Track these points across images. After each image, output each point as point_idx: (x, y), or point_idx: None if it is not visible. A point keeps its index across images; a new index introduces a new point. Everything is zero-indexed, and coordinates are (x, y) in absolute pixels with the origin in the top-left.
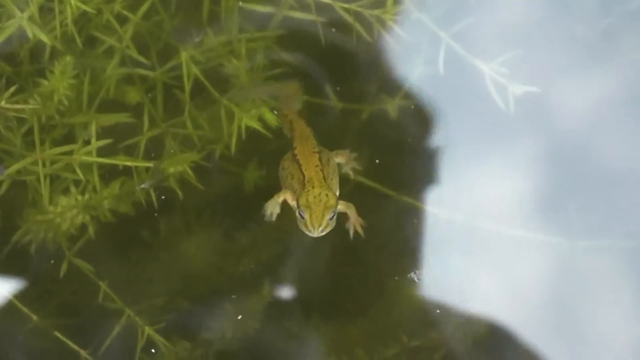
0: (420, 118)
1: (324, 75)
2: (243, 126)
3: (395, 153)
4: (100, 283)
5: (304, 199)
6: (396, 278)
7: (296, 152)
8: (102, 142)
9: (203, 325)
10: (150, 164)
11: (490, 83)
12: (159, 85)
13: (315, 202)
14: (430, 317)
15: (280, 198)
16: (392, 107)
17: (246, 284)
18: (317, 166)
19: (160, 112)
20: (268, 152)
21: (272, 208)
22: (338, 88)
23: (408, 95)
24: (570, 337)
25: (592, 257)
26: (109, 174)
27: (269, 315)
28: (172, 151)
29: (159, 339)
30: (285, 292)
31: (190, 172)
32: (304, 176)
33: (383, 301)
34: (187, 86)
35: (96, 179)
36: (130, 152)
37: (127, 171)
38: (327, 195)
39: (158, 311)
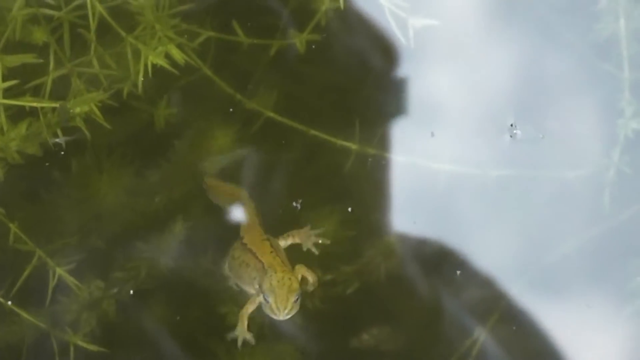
0: (327, 53)
1: (230, 11)
2: (150, 64)
3: (304, 87)
4: (11, 225)
5: (267, 283)
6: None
7: (245, 241)
8: (8, 83)
9: (117, 264)
10: (56, 104)
11: (390, 17)
12: (65, 24)
13: (279, 285)
14: (343, 251)
15: (248, 311)
16: (300, 41)
17: (159, 222)
18: (271, 252)
19: (67, 52)
20: (177, 89)
21: (243, 334)
22: (249, 24)
23: (315, 30)
24: (484, 263)
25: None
26: (15, 115)
27: (183, 253)
28: (79, 90)
29: (70, 279)
30: (200, 230)
31: (97, 111)
32: (262, 263)
33: None
34: (93, 25)
35: (3, 120)
36: (37, 93)
37: (34, 112)
38: (290, 279)
39: (71, 251)
